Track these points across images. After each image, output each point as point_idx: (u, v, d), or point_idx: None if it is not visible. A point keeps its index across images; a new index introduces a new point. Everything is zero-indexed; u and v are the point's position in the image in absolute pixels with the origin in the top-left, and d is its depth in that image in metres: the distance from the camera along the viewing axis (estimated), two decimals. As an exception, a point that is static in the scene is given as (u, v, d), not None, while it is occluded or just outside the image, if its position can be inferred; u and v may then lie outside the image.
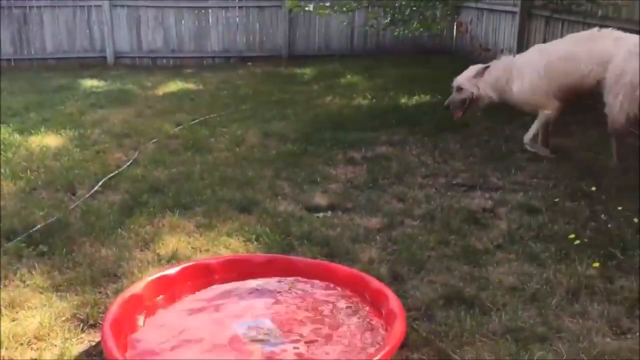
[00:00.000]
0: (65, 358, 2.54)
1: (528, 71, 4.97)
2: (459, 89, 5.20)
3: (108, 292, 3.06)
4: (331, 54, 10.75)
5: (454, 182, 4.67)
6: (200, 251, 3.55)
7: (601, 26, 4.98)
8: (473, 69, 5.23)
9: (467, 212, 4.05)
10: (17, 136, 5.74)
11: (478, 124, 5.64)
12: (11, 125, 6.14)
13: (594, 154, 5.11)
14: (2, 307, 2.89)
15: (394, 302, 2.65)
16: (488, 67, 5.18)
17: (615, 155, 4.65)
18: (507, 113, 5.85)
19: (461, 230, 3.78)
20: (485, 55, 8.11)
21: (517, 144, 5.28)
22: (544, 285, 3.10)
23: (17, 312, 2.87)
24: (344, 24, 10.24)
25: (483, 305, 2.93)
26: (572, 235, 3.58)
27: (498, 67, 5.16)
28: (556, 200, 4.19)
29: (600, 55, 4.57)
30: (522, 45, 7.70)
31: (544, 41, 6.77)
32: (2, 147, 5.38)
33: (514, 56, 5.44)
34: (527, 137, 5.11)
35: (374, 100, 7.36)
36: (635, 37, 4.49)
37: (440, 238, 3.68)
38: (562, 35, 6.27)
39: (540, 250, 3.49)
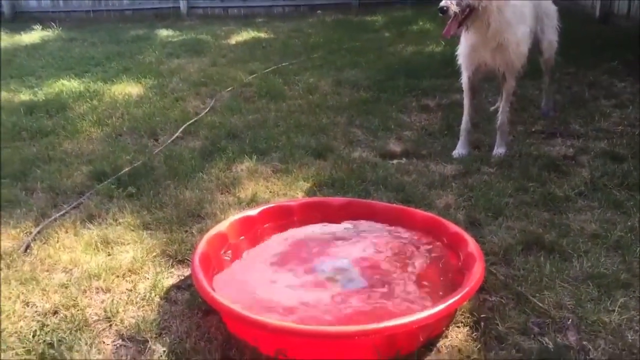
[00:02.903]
0: (157, 289, 2.70)
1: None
2: None
3: (193, 231, 3.20)
4: (402, 0, 10.50)
5: (533, 130, 4.55)
6: (278, 195, 3.64)
7: None
8: None
9: (546, 159, 3.95)
10: (100, 85, 5.98)
11: (559, 69, 5.40)
12: (95, 74, 6.41)
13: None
14: (98, 243, 3.10)
15: (472, 245, 2.65)
16: None
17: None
18: (591, 57, 5.59)
19: (540, 178, 3.70)
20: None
21: (602, 89, 5.06)
22: (628, 233, 3.02)
23: (111, 248, 3.06)
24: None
25: (564, 251, 2.90)
26: (660, 184, 3.45)
27: None
28: (643, 147, 4.03)
29: None
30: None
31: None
32: (87, 95, 5.64)
33: None
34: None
35: (447, 47, 7.16)
36: None
37: (518, 185, 3.62)
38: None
39: (625, 198, 3.39)
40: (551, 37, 4.55)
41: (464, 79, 4.17)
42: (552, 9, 4.55)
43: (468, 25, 3.79)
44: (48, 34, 9.17)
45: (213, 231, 2.84)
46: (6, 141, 4.54)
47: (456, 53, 4.16)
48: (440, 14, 3.74)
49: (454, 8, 3.67)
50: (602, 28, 7.98)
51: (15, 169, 3.98)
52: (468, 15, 3.74)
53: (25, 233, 3.21)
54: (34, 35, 9.01)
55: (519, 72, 4.10)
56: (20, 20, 10.40)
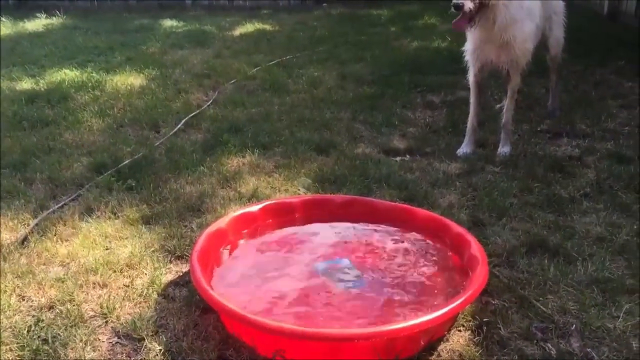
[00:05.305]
0: (155, 285, 2.66)
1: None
2: None
3: (193, 227, 3.16)
4: (409, -6, 10.41)
5: (539, 129, 4.50)
6: (280, 191, 3.59)
7: None
8: None
9: (552, 159, 3.90)
10: (103, 75, 5.93)
11: (565, 67, 5.34)
12: (98, 63, 6.36)
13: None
14: (96, 237, 3.06)
15: (475, 247, 2.60)
16: None
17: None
18: (598, 55, 5.51)
19: (545, 178, 3.65)
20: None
21: (609, 89, 5.00)
22: (634, 237, 2.98)
23: (109, 242, 3.02)
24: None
25: (568, 254, 2.85)
26: (667, 187, 3.40)
27: None
28: (650, 149, 3.98)
29: None
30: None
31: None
32: (89, 85, 5.59)
33: None
34: None
35: (454, 43, 7.09)
36: None
37: (523, 185, 3.57)
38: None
39: (631, 201, 3.34)
40: (558, 34, 4.48)
41: (471, 76, 4.10)
42: (560, 5, 4.48)
43: (476, 21, 3.72)
44: (52, 22, 9.11)
45: (213, 227, 2.80)
46: (6, 130, 4.50)
47: (463, 49, 4.08)
48: (455, 10, 3.64)
49: (469, 5, 3.59)
50: (609, 26, 7.90)
51: (15, 159, 3.94)
52: (478, 10, 3.66)
53: (23, 225, 3.18)
54: (37, 23, 8.94)
55: (524, 70, 4.02)
56: (25, 8, 10.33)
